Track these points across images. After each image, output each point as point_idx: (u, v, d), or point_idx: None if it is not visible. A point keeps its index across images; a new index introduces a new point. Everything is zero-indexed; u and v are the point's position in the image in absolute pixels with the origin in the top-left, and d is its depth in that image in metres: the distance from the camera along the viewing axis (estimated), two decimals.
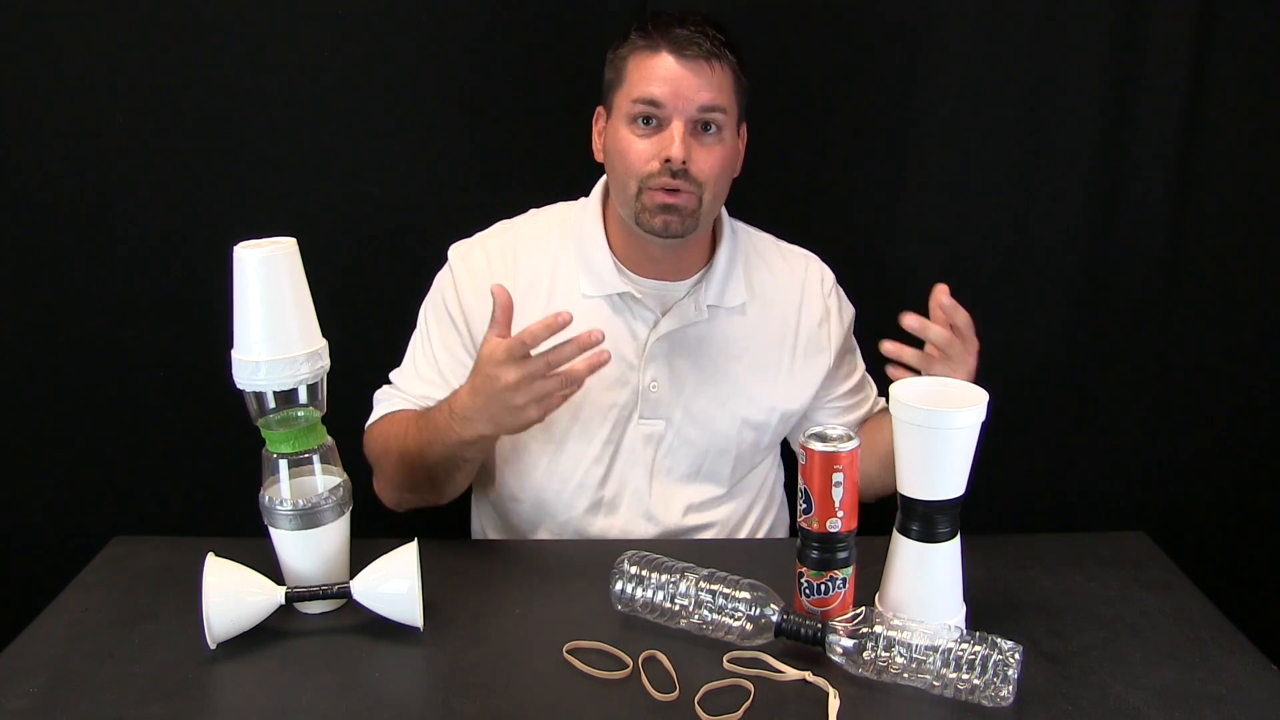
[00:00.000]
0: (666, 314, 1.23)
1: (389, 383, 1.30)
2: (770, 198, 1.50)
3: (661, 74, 1.13)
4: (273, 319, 0.96)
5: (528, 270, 1.24)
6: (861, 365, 1.36)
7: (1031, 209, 1.53)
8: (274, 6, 1.43)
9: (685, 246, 1.22)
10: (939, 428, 0.90)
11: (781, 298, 1.28)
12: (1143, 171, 1.50)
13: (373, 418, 1.27)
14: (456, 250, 1.27)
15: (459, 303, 1.23)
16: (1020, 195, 1.53)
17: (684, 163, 1.12)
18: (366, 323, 1.32)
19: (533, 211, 1.31)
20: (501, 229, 1.29)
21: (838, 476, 0.94)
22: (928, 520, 0.94)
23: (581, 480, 1.24)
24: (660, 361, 1.23)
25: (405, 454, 1.17)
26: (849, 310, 1.34)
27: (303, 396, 0.99)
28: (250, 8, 1.43)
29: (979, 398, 0.92)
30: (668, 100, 1.12)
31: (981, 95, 1.49)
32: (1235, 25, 1.44)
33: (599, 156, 1.23)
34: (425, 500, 1.22)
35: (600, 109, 1.23)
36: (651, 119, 1.14)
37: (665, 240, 1.17)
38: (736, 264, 1.26)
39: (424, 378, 1.25)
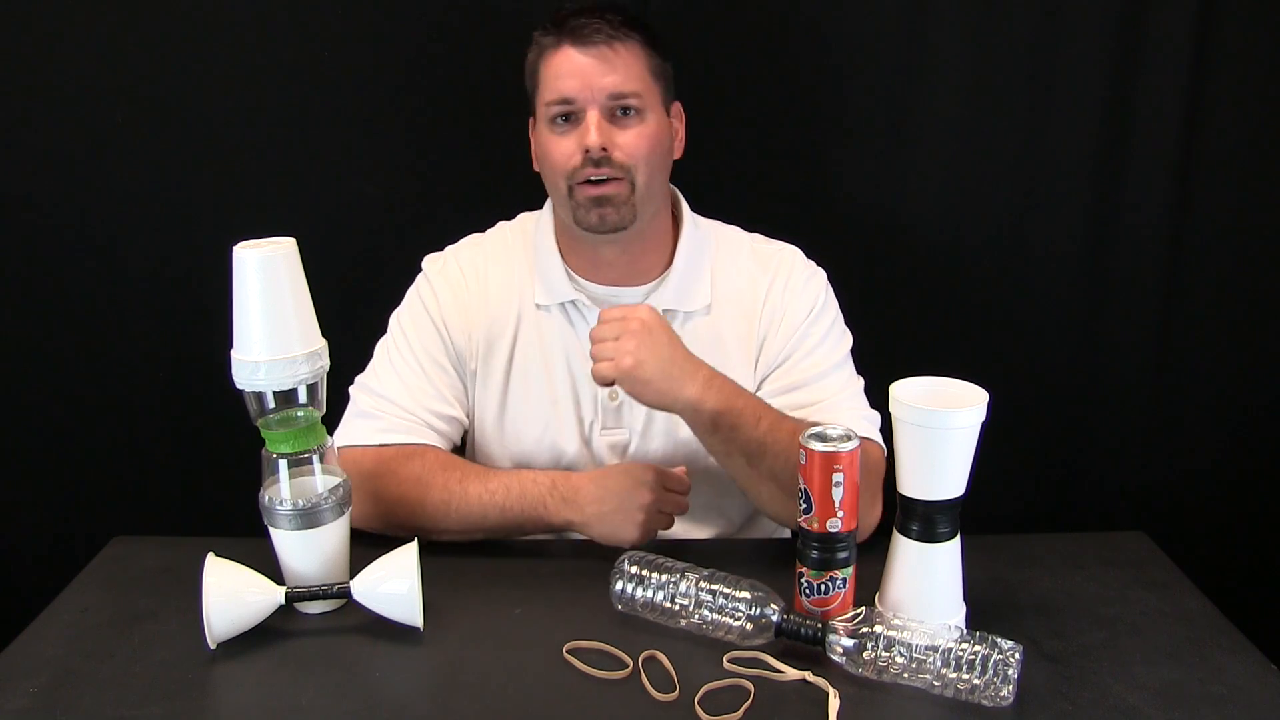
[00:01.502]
0: None
1: (356, 394, 1.22)
2: (768, 196, 1.51)
3: (567, 69, 1.12)
4: (272, 319, 0.96)
5: (498, 284, 1.23)
6: (821, 379, 1.19)
7: (1031, 209, 1.54)
8: (274, 8, 1.44)
9: (638, 248, 1.20)
10: (939, 428, 0.90)
11: (747, 298, 1.22)
12: (1143, 172, 1.50)
13: (363, 439, 1.17)
14: (432, 263, 1.26)
15: (440, 312, 1.22)
16: (1020, 195, 1.53)
17: (603, 149, 1.11)
18: (366, 323, 1.32)
19: (500, 225, 1.30)
20: (471, 243, 1.28)
21: (838, 477, 0.94)
22: (928, 520, 0.94)
23: None
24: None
25: (464, 513, 1.13)
26: (803, 307, 1.21)
27: (302, 396, 0.99)
28: (250, 9, 1.43)
29: (979, 398, 0.92)
30: (577, 93, 1.11)
31: (981, 96, 1.49)
32: (1235, 25, 1.44)
33: (536, 166, 1.21)
34: (424, 531, 1.14)
35: (531, 120, 1.22)
36: (569, 116, 1.13)
37: (608, 236, 1.15)
38: (700, 265, 1.22)
39: (410, 385, 1.20)
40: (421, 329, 1.23)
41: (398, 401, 1.20)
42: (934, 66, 1.48)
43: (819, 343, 1.21)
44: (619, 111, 1.13)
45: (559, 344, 1.22)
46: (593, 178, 1.12)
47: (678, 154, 1.22)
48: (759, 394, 1.19)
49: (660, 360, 1.04)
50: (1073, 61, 1.47)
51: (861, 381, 1.23)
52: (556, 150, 1.14)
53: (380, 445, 1.17)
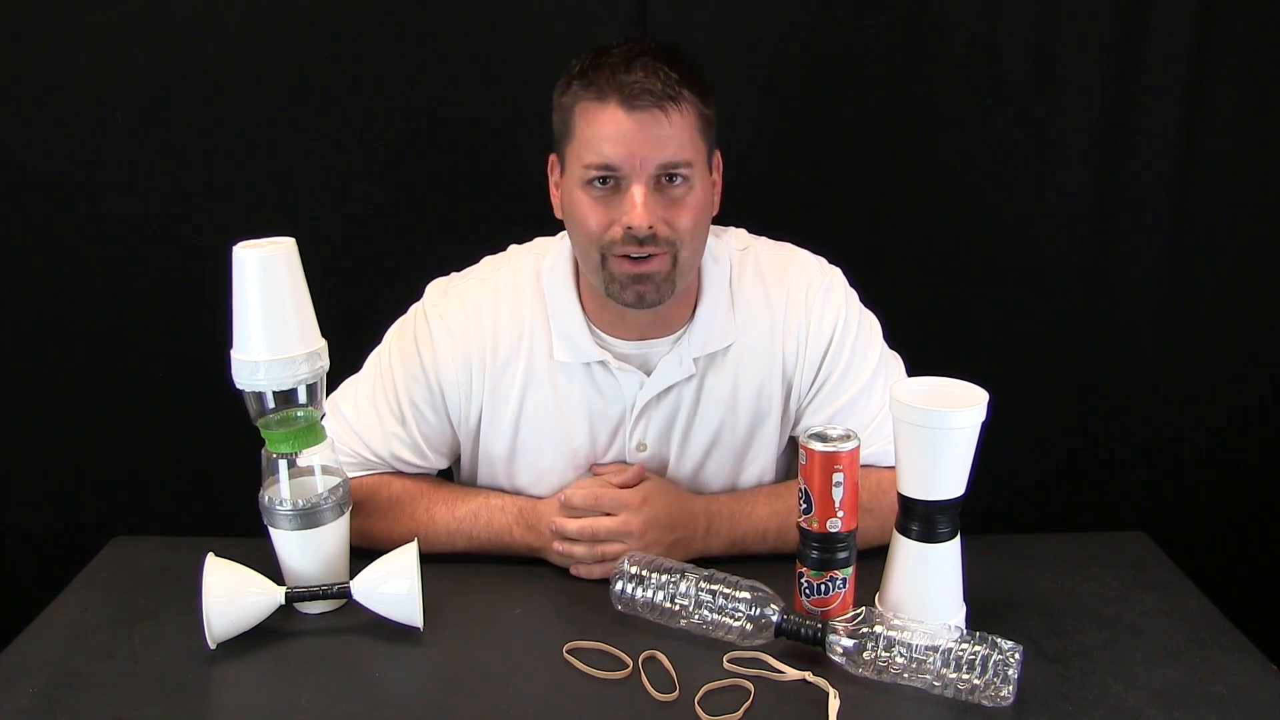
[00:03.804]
0: (651, 374, 1.14)
1: (331, 413, 1.17)
2: (769, 197, 1.50)
3: (613, 132, 1.00)
4: (272, 319, 0.96)
5: (508, 332, 1.15)
6: (861, 396, 1.17)
7: (1032, 210, 1.54)
8: (274, 7, 1.44)
9: (670, 307, 1.12)
10: (939, 428, 0.90)
11: (764, 321, 1.16)
12: (1143, 172, 1.50)
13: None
14: (434, 300, 1.17)
15: (435, 364, 1.15)
16: (1020, 195, 1.53)
17: (650, 228, 1.01)
18: (366, 323, 1.32)
19: (512, 253, 1.21)
20: (480, 280, 1.18)
21: (838, 476, 0.94)
22: (928, 520, 0.94)
23: None
24: (648, 423, 1.15)
25: (432, 541, 1.12)
26: (825, 330, 1.16)
27: (302, 396, 0.99)
28: (251, 8, 1.43)
29: (979, 398, 0.92)
30: (623, 163, 1.00)
31: (982, 97, 1.49)
32: (1235, 25, 1.44)
33: (558, 213, 1.13)
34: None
35: (553, 158, 1.11)
36: (607, 179, 1.02)
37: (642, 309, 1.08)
38: (722, 304, 1.15)
39: (388, 429, 1.15)
40: (411, 374, 1.16)
41: (368, 442, 1.16)
42: (935, 68, 1.48)
43: (850, 360, 1.17)
44: (665, 179, 1.03)
45: (581, 401, 1.15)
46: (634, 254, 1.03)
47: (715, 210, 1.13)
48: (801, 423, 1.19)
49: (662, 542, 1.08)
50: (1074, 62, 1.47)
51: (899, 363, 1.21)
52: (592, 217, 1.04)
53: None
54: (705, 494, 1.18)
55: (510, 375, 1.15)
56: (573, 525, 1.08)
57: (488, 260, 1.21)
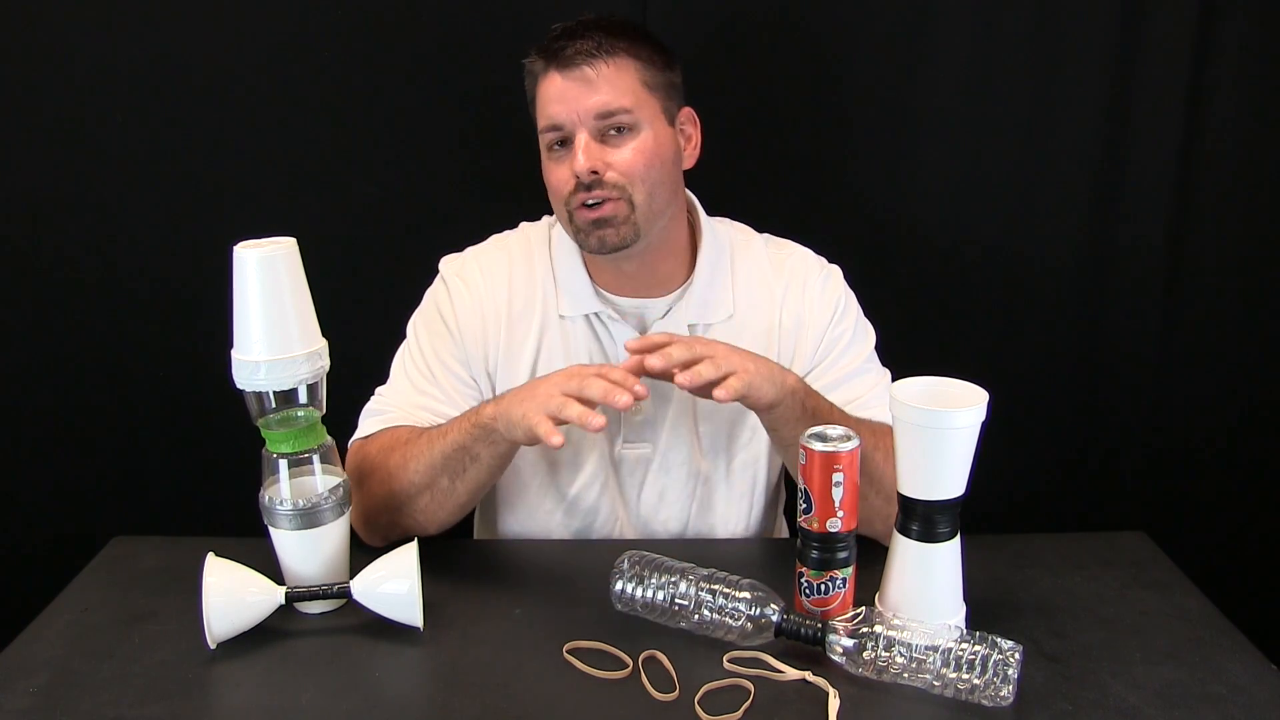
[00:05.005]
0: (645, 334, 1.18)
1: (371, 402, 1.23)
2: (769, 196, 1.51)
3: (554, 94, 1.11)
4: (272, 319, 0.96)
5: (522, 290, 1.21)
6: (855, 376, 1.20)
7: (1033, 209, 1.54)
8: (275, 7, 1.44)
9: (654, 259, 1.19)
10: (939, 428, 0.90)
11: (764, 307, 1.22)
12: (1143, 171, 1.51)
13: (365, 432, 1.19)
14: (450, 265, 1.24)
15: (455, 315, 1.21)
16: (1022, 195, 1.53)
17: (593, 172, 1.10)
18: (366, 323, 1.32)
19: (523, 226, 1.28)
20: (495, 246, 1.26)
21: (838, 476, 0.94)
22: (928, 520, 0.94)
23: (579, 506, 1.22)
24: (642, 383, 1.17)
25: (434, 465, 1.09)
26: (825, 310, 1.22)
27: (302, 396, 0.99)
28: (251, 8, 1.43)
29: (979, 398, 0.92)
30: (565, 118, 1.11)
31: (981, 96, 1.49)
32: (1235, 25, 1.45)
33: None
34: (407, 522, 1.13)
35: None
36: (562, 141, 1.12)
37: (615, 255, 1.14)
38: (721, 274, 1.22)
39: (418, 388, 1.20)
40: (433, 333, 1.22)
41: (398, 403, 1.20)
42: (936, 67, 1.48)
43: (849, 343, 1.22)
44: (611, 130, 1.11)
45: (584, 355, 1.20)
46: (588, 201, 1.11)
47: (689, 163, 1.20)
48: None
49: (753, 361, 1.03)
50: (1074, 61, 1.47)
51: (889, 374, 1.23)
52: (553, 177, 1.14)
53: (366, 438, 1.18)
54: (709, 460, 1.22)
55: (524, 329, 1.21)
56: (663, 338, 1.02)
57: (497, 235, 1.28)
